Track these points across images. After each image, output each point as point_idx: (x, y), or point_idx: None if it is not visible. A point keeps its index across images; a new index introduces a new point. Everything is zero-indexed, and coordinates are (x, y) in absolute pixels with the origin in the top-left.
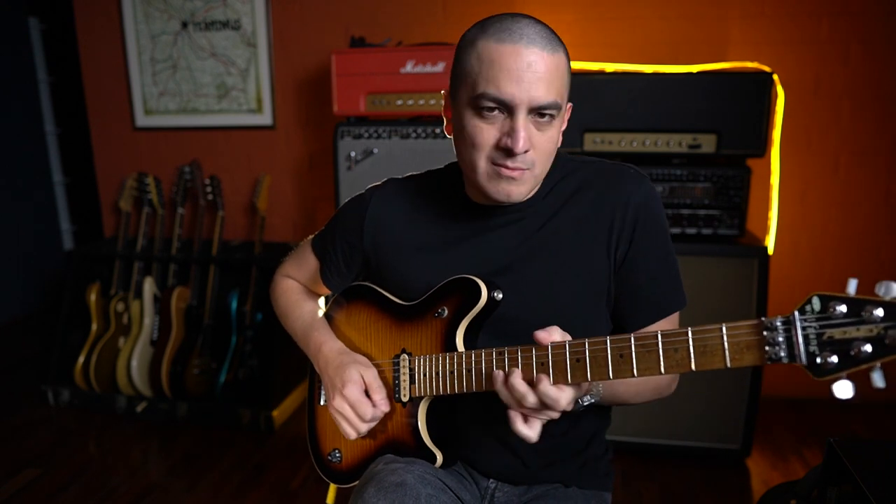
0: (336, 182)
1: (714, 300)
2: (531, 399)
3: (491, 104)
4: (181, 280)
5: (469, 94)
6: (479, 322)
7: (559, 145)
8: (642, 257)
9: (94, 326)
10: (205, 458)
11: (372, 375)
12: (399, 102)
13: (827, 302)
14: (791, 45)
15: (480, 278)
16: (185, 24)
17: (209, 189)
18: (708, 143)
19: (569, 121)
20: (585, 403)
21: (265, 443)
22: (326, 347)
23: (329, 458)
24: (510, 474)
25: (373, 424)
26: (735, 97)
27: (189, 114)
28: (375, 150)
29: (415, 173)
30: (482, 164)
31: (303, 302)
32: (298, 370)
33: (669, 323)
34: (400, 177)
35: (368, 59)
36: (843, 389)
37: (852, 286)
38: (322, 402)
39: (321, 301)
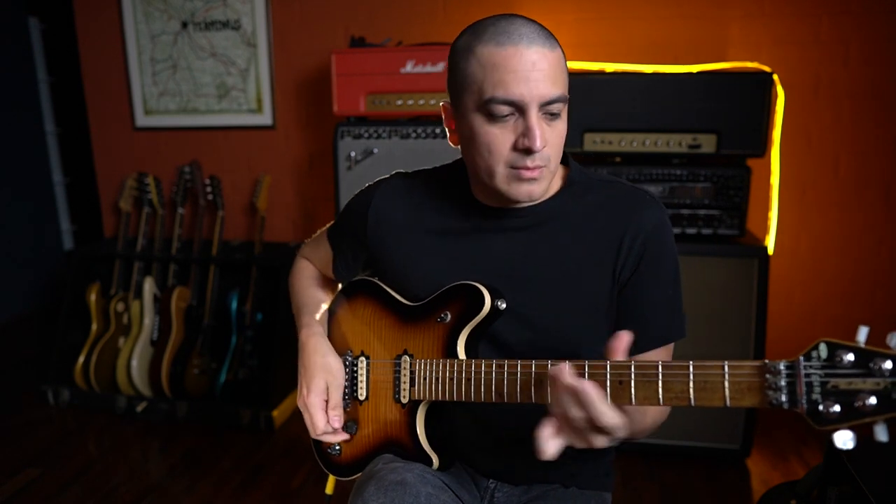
0: (336, 182)
1: (714, 300)
2: (579, 414)
3: (502, 107)
4: (181, 280)
5: (476, 102)
6: (481, 329)
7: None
8: (646, 285)
9: (94, 326)
10: (205, 458)
11: (336, 386)
12: (399, 102)
13: (834, 350)
14: (791, 45)
15: (485, 286)
16: (185, 24)
17: (209, 189)
18: (708, 143)
19: (568, 121)
20: None
21: (265, 443)
22: (309, 343)
23: (329, 450)
24: (509, 474)
25: (338, 435)
26: (735, 97)
27: (189, 114)
28: (375, 150)
29: (424, 168)
30: (500, 169)
31: (308, 287)
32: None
33: (665, 352)
34: (408, 171)
35: (368, 59)
36: (844, 440)
37: (862, 334)
38: None
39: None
